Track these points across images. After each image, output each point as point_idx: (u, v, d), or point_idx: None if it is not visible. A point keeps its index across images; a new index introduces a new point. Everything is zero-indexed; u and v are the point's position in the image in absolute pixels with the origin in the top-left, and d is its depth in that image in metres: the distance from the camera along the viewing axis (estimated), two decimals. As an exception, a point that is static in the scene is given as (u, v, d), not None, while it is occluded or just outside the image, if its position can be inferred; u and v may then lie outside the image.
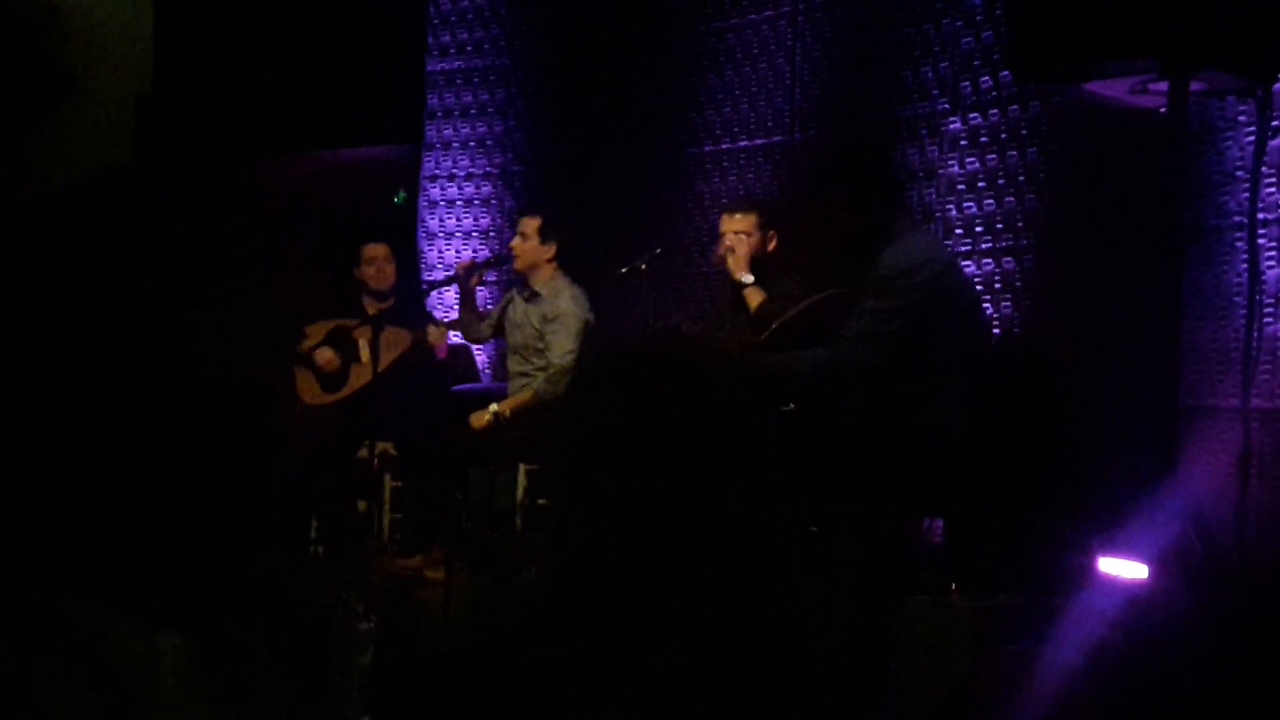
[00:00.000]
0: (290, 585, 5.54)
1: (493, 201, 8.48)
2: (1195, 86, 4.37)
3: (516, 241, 7.05)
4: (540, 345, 6.92)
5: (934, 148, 6.40)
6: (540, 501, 6.55)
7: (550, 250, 7.01)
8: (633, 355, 2.21)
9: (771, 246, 6.22)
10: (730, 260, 6.06)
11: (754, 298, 5.99)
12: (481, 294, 7.77)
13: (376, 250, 7.42)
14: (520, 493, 6.66)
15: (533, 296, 7.00)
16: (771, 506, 2.16)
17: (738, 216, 6.22)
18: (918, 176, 6.47)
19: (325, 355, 7.21)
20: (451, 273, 7.72)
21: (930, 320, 4.98)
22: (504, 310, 7.23)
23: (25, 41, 6.80)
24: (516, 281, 7.26)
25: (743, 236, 6.15)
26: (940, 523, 5.34)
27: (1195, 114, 5.00)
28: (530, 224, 7.05)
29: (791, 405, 5.17)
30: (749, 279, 5.96)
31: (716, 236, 6.30)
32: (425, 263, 8.62)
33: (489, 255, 7.88)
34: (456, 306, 7.49)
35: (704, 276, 6.91)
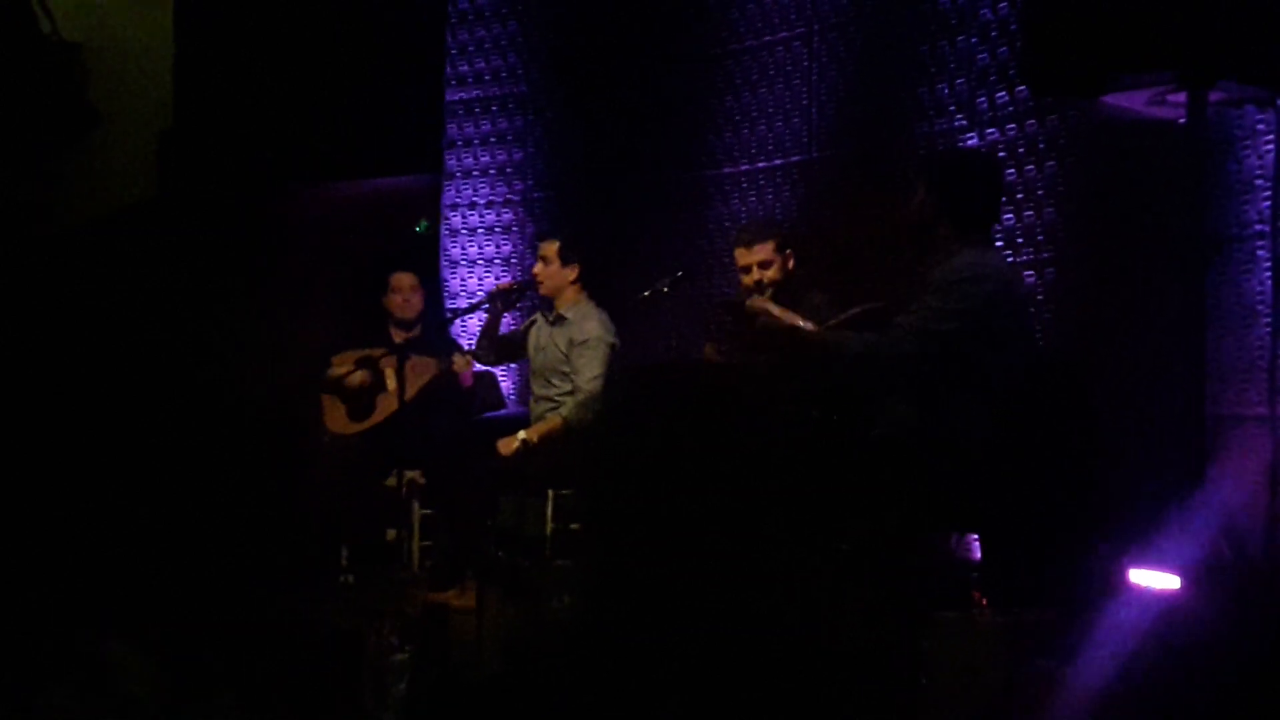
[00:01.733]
0: (323, 614, 5.57)
1: (514, 228, 8.52)
2: (1213, 97, 4.39)
3: (539, 267, 7.09)
4: (566, 369, 6.94)
5: (953, 164, 6.39)
6: (572, 527, 6.56)
7: (573, 272, 7.04)
8: (662, 381, 2.23)
9: (791, 265, 6.25)
10: (767, 306, 5.90)
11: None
12: (505, 318, 7.81)
13: (403, 279, 7.47)
14: (550, 519, 6.67)
15: (559, 320, 7.03)
16: (801, 525, 2.18)
17: (756, 247, 6.25)
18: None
19: (356, 376, 7.24)
20: (477, 299, 7.76)
21: (981, 335, 4.93)
22: (526, 332, 7.25)
23: (49, 79, 6.85)
24: (541, 305, 7.29)
25: (763, 267, 6.18)
26: (970, 537, 5.34)
27: (1214, 124, 5.00)
28: (550, 248, 7.09)
29: (817, 413, 5.17)
30: (797, 320, 5.75)
31: (734, 261, 6.35)
32: (448, 291, 8.65)
33: (518, 281, 7.90)
34: (480, 331, 7.51)
35: (725, 298, 6.91)
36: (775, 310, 5.33)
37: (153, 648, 2.37)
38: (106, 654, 2.27)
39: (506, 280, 8.00)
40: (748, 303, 5.52)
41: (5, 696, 2.29)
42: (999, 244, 6.21)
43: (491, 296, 7.32)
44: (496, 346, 7.37)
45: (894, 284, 5.61)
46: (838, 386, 5.17)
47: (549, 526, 6.66)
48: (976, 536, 5.27)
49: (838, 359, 5.02)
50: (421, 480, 7.18)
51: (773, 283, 6.21)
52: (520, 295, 7.49)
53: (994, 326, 4.97)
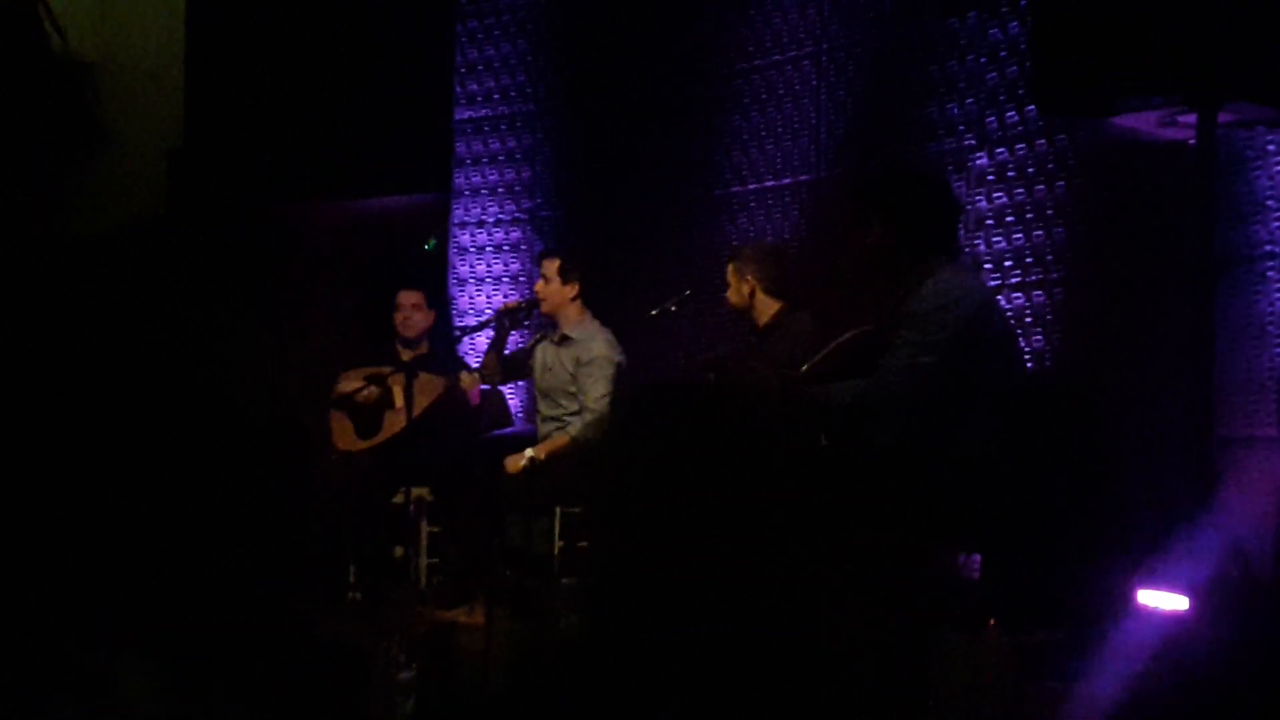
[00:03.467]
0: (330, 631, 5.56)
1: (522, 246, 8.52)
2: (1223, 118, 4.38)
3: (540, 285, 7.09)
4: (573, 389, 6.94)
5: (961, 184, 6.41)
6: (579, 545, 6.56)
7: (573, 290, 7.03)
8: (669, 396, 2.23)
9: (746, 291, 6.50)
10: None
11: None
12: (512, 339, 7.81)
13: (409, 297, 7.47)
14: (557, 537, 6.67)
15: (564, 340, 7.02)
16: (807, 544, 2.18)
17: (729, 266, 6.62)
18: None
19: (366, 392, 7.24)
20: (485, 318, 7.76)
21: (968, 354, 4.93)
22: (530, 353, 7.25)
23: (60, 97, 6.86)
24: (545, 325, 7.29)
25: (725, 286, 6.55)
26: (977, 557, 5.33)
27: (1224, 144, 5.00)
28: (550, 266, 7.09)
29: (825, 440, 5.17)
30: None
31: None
32: (456, 309, 8.66)
33: (525, 299, 7.90)
34: (486, 349, 7.51)
35: (731, 315, 6.93)
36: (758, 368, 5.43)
37: (157, 661, 2.36)
38: (111, 667, 2.26)
39: (514, 299, 8.00)
40: (729, 361, 5.62)
41: (6, 708, 2.29)
42: (1009, 264, 6.21)
43: (499, 315, 7.33)
44: (503, 366, 7.37)
45: (888, 306, 5.62)
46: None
47: (556, 545, 6.66)
48: (981, 556, 5.26)
49: (829, 414, 5.03)
50: (429, 498, 7.18)
51: (734, 306, 6.56)
52: (528, 314, 7.50)
53: (977, 347, 4.96)
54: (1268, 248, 5.24)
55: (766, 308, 6.48)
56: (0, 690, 2.30)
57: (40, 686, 2.30)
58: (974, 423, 4.95)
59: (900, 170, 6.31)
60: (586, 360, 6.91)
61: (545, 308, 7.09)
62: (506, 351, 7.48)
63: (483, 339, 8.28)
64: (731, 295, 6.55)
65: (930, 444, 4.96)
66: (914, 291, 5.02)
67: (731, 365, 5.51)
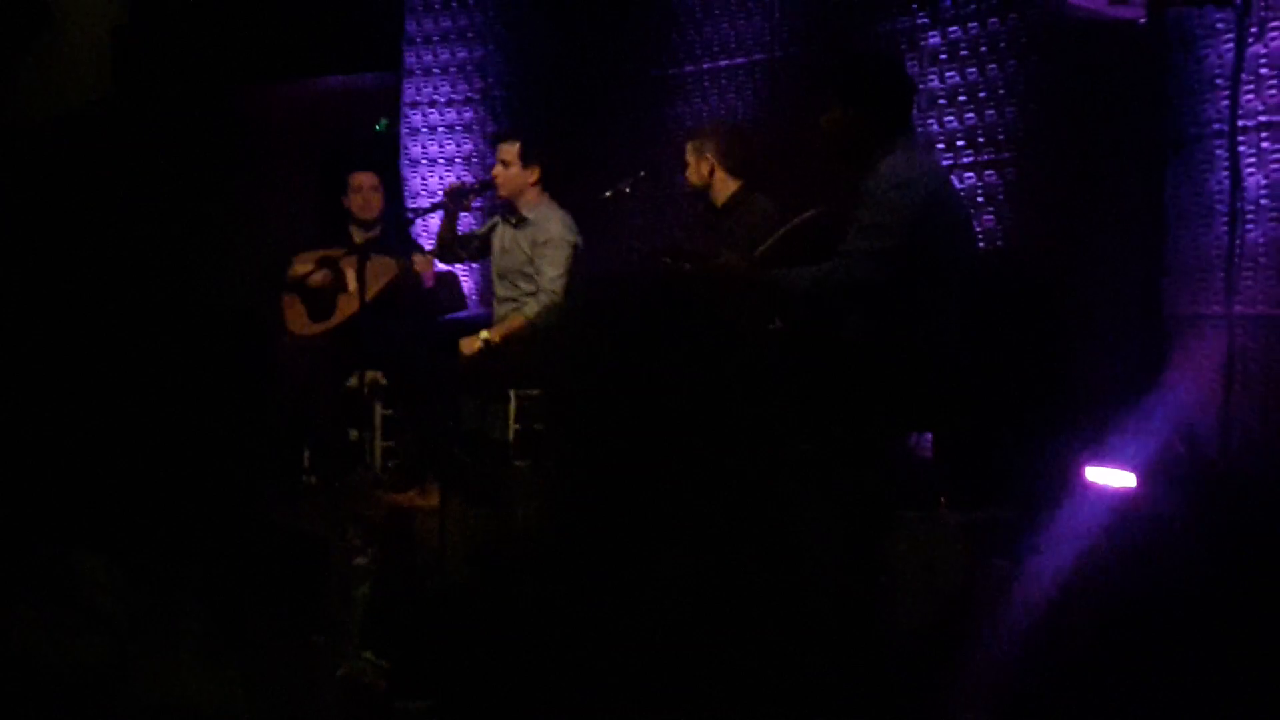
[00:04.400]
0: (287, 517, 5.59)
1: (474, 127, 8.47)
2: (1173, -3, 4.38)
3: (498, 169, 7.02)
4: (529, 270, 6.92)
5: (914, 62, 6.39)
6: (535, 428, 6.59)
7: (534, 174, 6.99)
8: (628, 285, 2.23)
9: (706, 171, 6.50)
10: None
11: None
12: (466, 219, 7.76)
13: (364, 179, 7.40)
14: (513, 421, 6.69)
15: (520, 222, 6.99)
16: (764, 427, 2.20)
17: (687, 146, 6.62)
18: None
19: (318, 276, 7.21)
20: (438, 199, 7.71)
21: (925, 234, 4.92)
22: (488, 234, 7.22)
23: (-1, -21, 6.73)
24: (502, 207, 7.26)
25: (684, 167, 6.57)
26: (929, 437, 5.38)
27: (1173, 23, 5.00)
28: (510, 150, 7.03)
29: (778, 323, 5.19)
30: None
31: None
32: (409, 190, 8.61)
33: (475, 180, 7.86)
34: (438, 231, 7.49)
35: (686, 198, 6.92)
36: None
37: (115, 552, 2.37)
38: (73, 565, 2.27)
39: (463, 180, 7.95)
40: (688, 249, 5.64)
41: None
42: (960, 143, 6.22)
43: (446, 195, 7.27)
44: (457, 245, 7.35)
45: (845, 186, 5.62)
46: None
47: (512, 429, 6.68)
48: (934, 436, 5.31)
49: (786, 298, 5.03)
50: (383, 381, 7.18)
51: (692, 187, 6.57)
52: (478, 194, 7.46)
53: (934, 226, 4.95)
54: (1216, 125, 5.25)
55: (725, 187, 6.46)
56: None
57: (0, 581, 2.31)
58: (929, 303, 4.97)
59: (854, 52, 6.30)
60: (543, 241, 6.88)
61: (503, 192, 7.03)
62: (461, 231, 7.44)
63: (435, 220, 8.25)
64: (690, 174, 6.54)
65: (886, 327, 4.98)
66: (870, 172, 5.00)
67: (694, 253, 5.51)
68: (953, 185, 5.41)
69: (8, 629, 2.19)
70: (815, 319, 5.13)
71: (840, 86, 5.14)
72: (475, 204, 7.83)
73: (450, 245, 7.32)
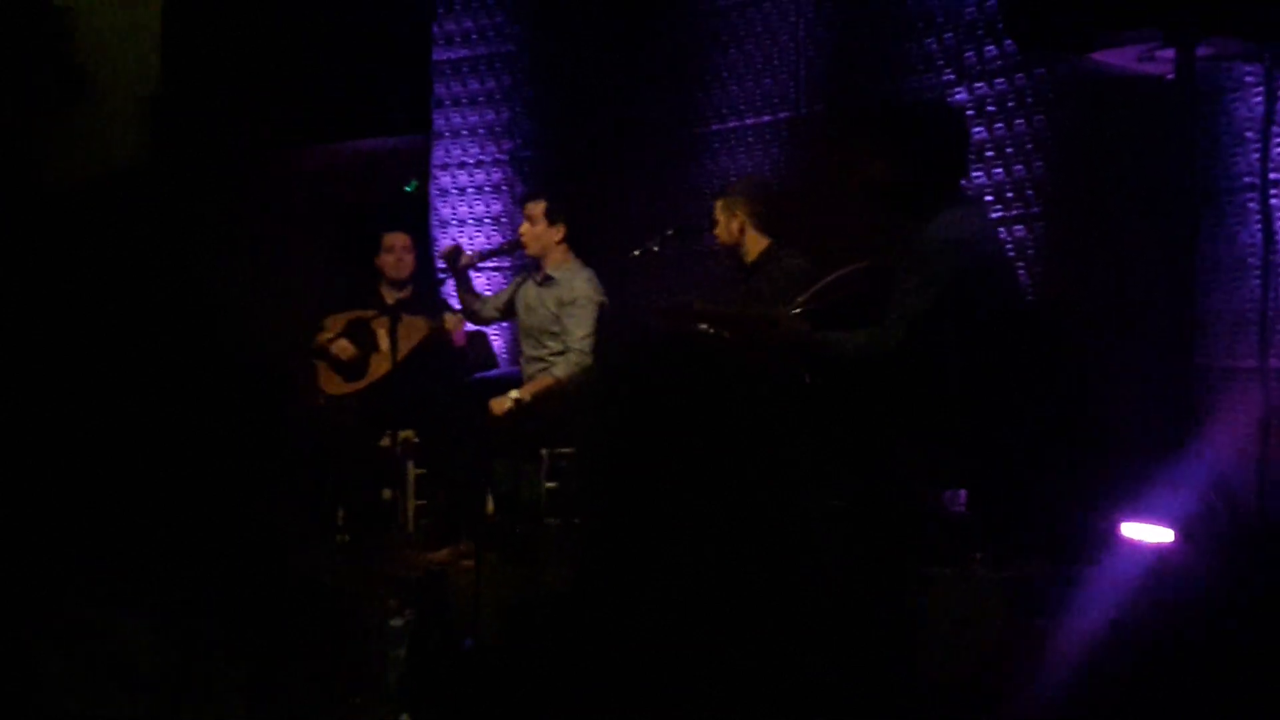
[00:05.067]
0: (320, 576, 5.59)
1: (503, 187, 8.52)
2: (1201, 51, 4.39)
3: (525, 227, 7.08)
4: (555, 329, 6.95)
5: (942, 119, 6.40)
6: (566, 486, 6.59)
7: (559, 232, 7.03)
8: (655, 346, 2.24)
9: (734, 227, 6.46)
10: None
11: None
12: (495, 279, 7.80)
13: (396, 239, 7.45)
14: (544, 481, 6.68)
15: (547, 280, 7.02)
16: (795, 483, 2.20)
17: (716, 204, 6.58)
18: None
19: (342, 345, 7.26)
20: (441, 264, 7.77)
21: (969, 293, 4.78)
22: (514, 293, 7.25)
23: (37, 45, 6.83)
24: (529, 266, 7.29)
25: (713, 225, 6.52)
26: (962, 493, 5.36)
27: (1202, 77, 5.00)
28: (536, 208, 7.07)
29: (808, 379, 5.18)
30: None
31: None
32: (438, 251, 8.66)
33: (503, 240, 7.90)
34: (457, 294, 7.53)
35: (713, 255, 6.94)
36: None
37: (152, 613, 2.38)
38: (112, 627, 2.28)
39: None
40: (696, 304, 5.60)
41: (3, 666, 2.31)
42: (989, 198, 6.22)
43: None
44: (479, 305, 7.39)
45: (882, 240, 5.59)
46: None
47: (544, 487, 6.68)
48: (967, 491, 5.29)
49: (828, 360, 4.94)
50: (415, 440, 7.20)
51: (722, 244, 6.52)
52: (490, 256, 7.50)
53: (980, 288, 4.85)
54: (1246, 179, 5.25)
55: (755, 244, 6.46)
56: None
57: (36, 640, 2.32)
58: (966, 361, 4.91)
59: (908, 101, 6.23)
60: (569, 300, 6.91)
61: (530, 250, 7.08)
62: (486, 293, 7.48)
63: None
64: (719, 232, 6.52)
65: (923, 382, 4.92)
66: (918, 228, 4.83)
67: (726, 315, 5.45)
68: (1000, 245, 5.29)
69: (48, 690, 2.20)
70: (840, 373, 5.07)
71: (889, 136, 4.93)
72: (497, 263, 7.91)
73: (472, 306, 7.37)
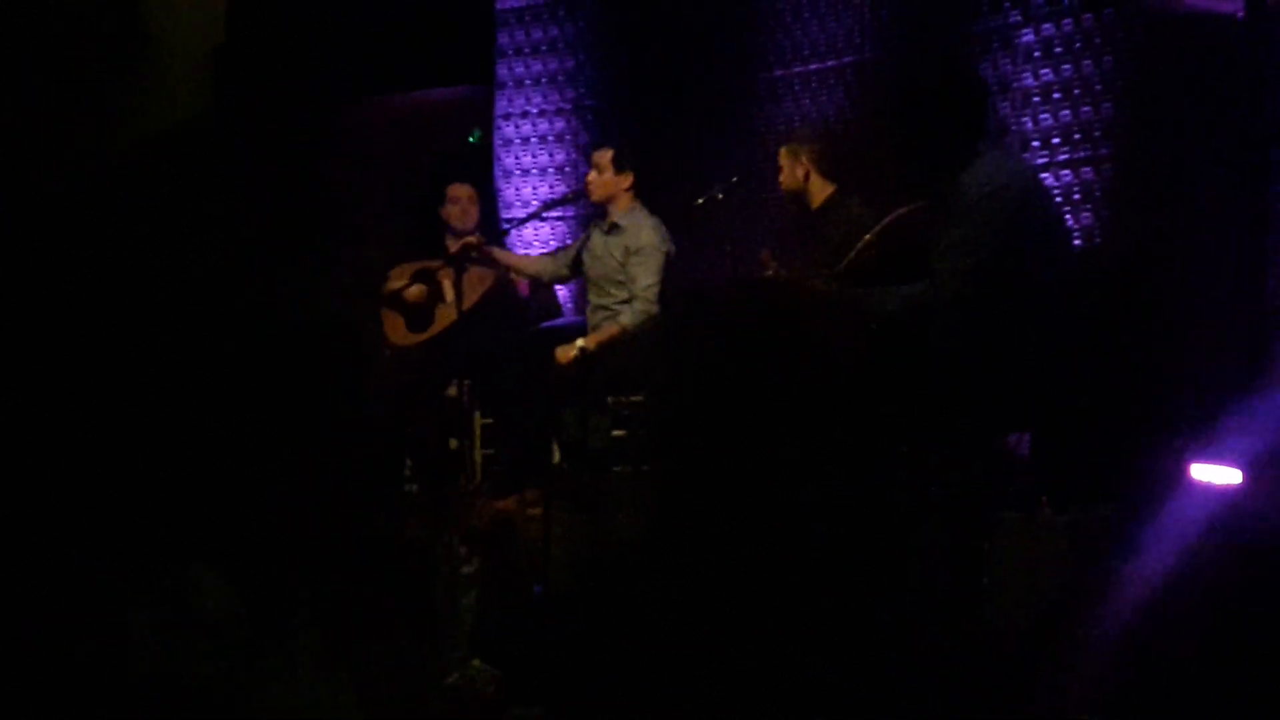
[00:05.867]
0: (391, 525, 5.65)
1: (566, 137, 8.51)
2: (1272, -10, 4.34)
3: (592, 175, 7.07)
4: (621, 278, 6.95)
5: (1007, 61, 6.36)
6: (634, 434, 6.61)
7: (627, 180, 7.02)
8: (719, 303, 2.25)
9: (801, 173, 6.46)
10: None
11: None
12: (554, 228, 7.82)
13: (461, 190, 7.47)
14: (611, 429, 6.70)
15: (613, 229, 7.03)
16: (863, 429, 2.20)
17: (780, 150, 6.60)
18: (992, 90, 6.41)
19: (413, 290, 7.29)
20: (533, 209, 7.76)
21: (1016, 240, 4.82)
22: (581, 247, 7.25)
23: (102, 2, 6.87)
24: (593, 216, 7.29)
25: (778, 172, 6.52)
26: (1027, 436, 5.34)
27: (1274, 15, 4.94)
28: (604, 156, 7.07)
29: (875, 325, 5.16)
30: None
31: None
32: (503, 201, 8.68)
33: (568, 190, 7.90)
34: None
35: (778, 202, 6.91)
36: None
37: (232, 571, 2.42)
38: (189, 580, 2.32)
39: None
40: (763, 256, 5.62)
41: (90, 627, 2.35)
42: (1056, 140, 6.18)
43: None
44: (558, 263, 7.38)
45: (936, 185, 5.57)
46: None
47: (610, 435, 6.70)
48: (1034, 436, 5.27)
49: (874, 318, 4.96)
50: (482, 389, 7.24)
51: (787, 191, 6.52)
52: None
53: (1025, 233, 4.86)
54: (1318, 118, 5.19)
55: (821, 190, 6.44)
56: (82, 603, 2.37)
57: (124, 597, 2.37)
58: (1024, 307, 4.91)
59: (914, 60, 6.24)
60: (635, 249, 6.91)
61: (595, 197, 7.08)
62: (554, 243, 7.49)
63: (529, 230, 8.31)
64: (784, 178, 6.52)
65: (982, 333, 4.92)
66: (954, 180, 4.88)
67: (777, 280, 5.50)
68: (1043, 185, 5.34)
69: (128, 643, 2.24)
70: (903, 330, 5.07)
71: (905, 97, 5.09)
72: (568, 213, 7.93)
73: (528, 272, 7.40)
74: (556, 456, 6.89)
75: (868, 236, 5.38)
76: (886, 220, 5.38)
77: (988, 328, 4.91)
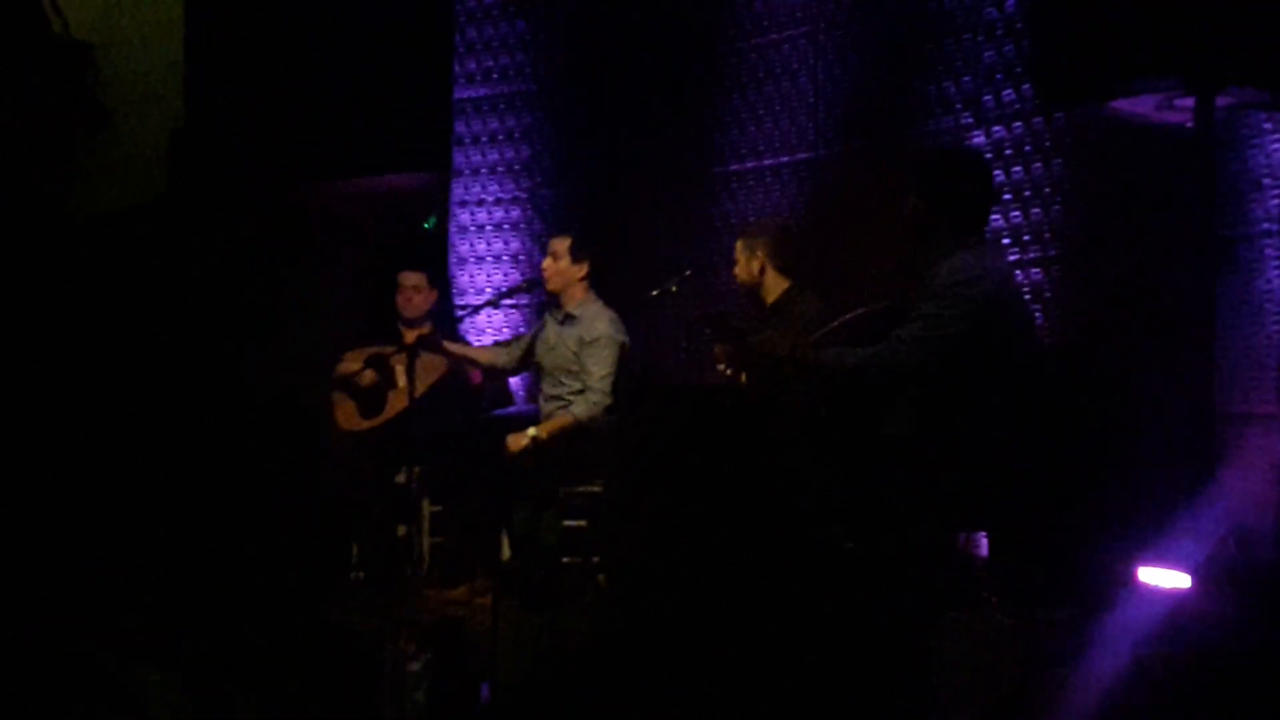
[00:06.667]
0: (336, 615, 5.60)
1: (522, 225, 8.54)
2: (1221, 101, 4.41)
3: (548, 263, 7.08)
4: (575, 368, 6.95)
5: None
6: (581, 524, 6.58)
7: (582, 269, 7.03)
8: (676, 400, 2.26)
9: (756, 269, 6.49)
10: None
11: None
12: (508, 316, 7.82)
13: (410, 278, 7.49)
14: (561, 522, 6.67)
15: (568, 319, 7.03)
16: (811, 526, 2.21)
17: (737, 244, 6.62)
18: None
19: (366, 375, 7.28)
20: (487, 296, 7.76)
21: (983, 332, 4.92)
22: (534, 338, 7.24)
23: (60, 79, 6.86)
24: (547, 304, 7.30)
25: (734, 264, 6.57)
26: (980, 536, 5.36)
27: (1220, 124, 5.02)
28: (561, 244, 7.08)
29: (825, 412, 5.18)
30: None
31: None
32: (457, 288, 8.68)
33: (522, 279, 7.93)
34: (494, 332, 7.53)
35: (733, 294, 6.95)
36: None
37: (177, 669, 2.39)
38: (135, 679, 2.29)
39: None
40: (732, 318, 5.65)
41: (31, 712, 2.32)
42: (1006, 241, 6.24)
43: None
44: (508, 354, 7.37)
45: (899, 282, 5.62)
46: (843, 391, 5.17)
47: (561, 528, 6.66)
48: (984, 535, 5.29)
49: (830, 376, 5.02)
50: (431, 476, 7.21)
51: (742, 284, 6.56)
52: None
53: (994, 326, 4.96)
54: (1265, 225, 5.26)
55: (775, 285, 6.47)
56: (24, 695, 2.33)
57: (61, 691, 2.33)
58: (976, 404, 4.96)
59: (941, 148, 6.32)
60: (590, 339, 6.91)
61: (550, 286, 7.07)
62: (507, 331, 7.48)
63: (483, 317, 8.32)
64: (739, 272, 6.54)
65: (931, 425, 4.97)
66: (934, 267, 5.01)
67: (736, 329, 5.54)
68: (1016, 287, 5.40)
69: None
70: (859, 402, 5.11)
71: (920, 178, 5.17)
72: (521, 301, 7.94)
73: (484, 363, 7.38)
74: (506, 552, 6.85)
75: (834, 324, 5.41)
76: (847, 316, 5.42)
77: (945, 416, 4.94)
